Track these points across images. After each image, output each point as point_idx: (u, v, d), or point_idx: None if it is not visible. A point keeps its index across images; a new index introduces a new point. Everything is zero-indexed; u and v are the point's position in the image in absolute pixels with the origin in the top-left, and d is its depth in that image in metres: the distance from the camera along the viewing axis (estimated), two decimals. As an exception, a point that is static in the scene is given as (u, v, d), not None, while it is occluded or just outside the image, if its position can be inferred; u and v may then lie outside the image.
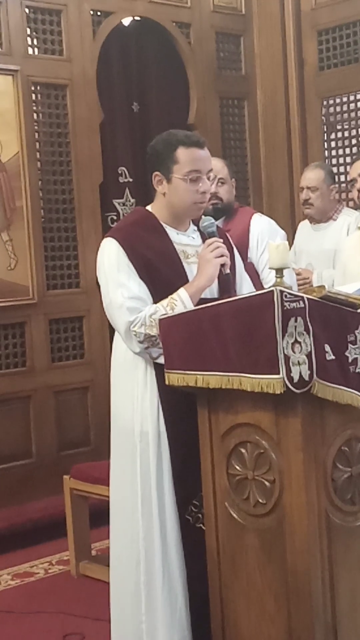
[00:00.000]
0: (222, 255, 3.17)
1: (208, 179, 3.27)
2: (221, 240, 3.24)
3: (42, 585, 4.69)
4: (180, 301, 3.10)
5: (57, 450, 5.80)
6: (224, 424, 2.91)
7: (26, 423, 5.70)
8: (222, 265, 3.18)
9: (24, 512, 5.42)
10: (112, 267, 3.18)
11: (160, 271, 3.18)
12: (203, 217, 3.31)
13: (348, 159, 6.36)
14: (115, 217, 6.12)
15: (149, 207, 3.37)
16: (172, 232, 3.28)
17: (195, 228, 3.36)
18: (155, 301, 3.14)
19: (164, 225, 3.28)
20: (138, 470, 3.21)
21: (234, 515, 2.92)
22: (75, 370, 5.94)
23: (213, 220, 3.31)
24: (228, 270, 3.21)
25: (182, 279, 3.19)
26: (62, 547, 4.97)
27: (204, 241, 3.27)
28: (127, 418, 3.26)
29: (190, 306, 3.07)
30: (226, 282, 3.26)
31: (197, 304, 3.07)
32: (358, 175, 4.47)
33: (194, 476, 3.04)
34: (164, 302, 3.12)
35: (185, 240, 3.30)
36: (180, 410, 3.11)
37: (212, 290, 3.23)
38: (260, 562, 2.85)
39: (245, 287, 3.44)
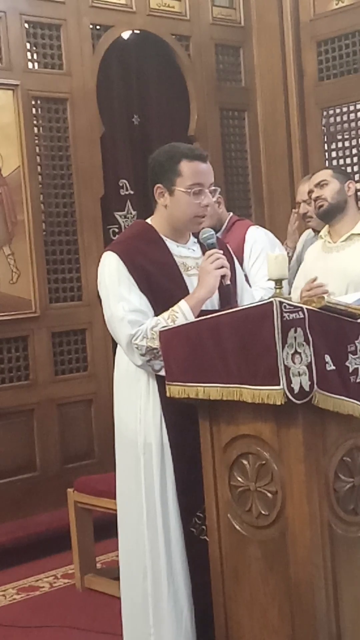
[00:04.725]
0: (222, 267, 3.18)
1: (209, 192, 3.28)
2: (221, 251, 3.25)
3: (47, 599, 4.68)
4: (181, 313, 3.10)
5: (61, 463, 5.80)
6: (225, 435, 2.92)
7: (30, 436, 5.70)
8: (223, 277, 3.18)
9: (28, 526, 5.41)
10: (113, 281, 3.19)
11: (160, 284, 3.19)
12: (203, 229, 3.32)
13: (349, 169, 6.37)
14: (116, 230, 6.13)
15: (149, 220, 3.38)
16: (172, 245, 3.29)
17: (195, 240, 3.37)
18: (157, 314, 3.15)
19: (164, 237, 3.30)
20: (142, 482, 3.22)
21: (237, 526, 2.92)
22: (78, 383, 5.94)
23: (213, 232, 3.32)
24: (228, 282, 3.21)
25: (182, 291, 3.20)
26: (67, 561, 4.96)
27: (204, 253, 3.28)
28: (130, 430, 3.27)
29: (191, 318, 3.07)
30: (227, 293, 3.27)
31: (198, 316, 3.08)
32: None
33: (198, 488, 3.04)
34: (165, 314, 3.12)
35: (185, 253, 3.31)
36: (183, 422, 3.11)
37: (213, 302, 3.24)
38: (263, 573, 2.84)
39: (246, 298, 3.44)
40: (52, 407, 5.79)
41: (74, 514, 4.75)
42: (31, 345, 5.72)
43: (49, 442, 5.76)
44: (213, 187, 3.30)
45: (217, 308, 3.21)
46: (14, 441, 5.61)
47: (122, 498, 3.35)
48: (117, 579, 3.44)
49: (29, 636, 4.21)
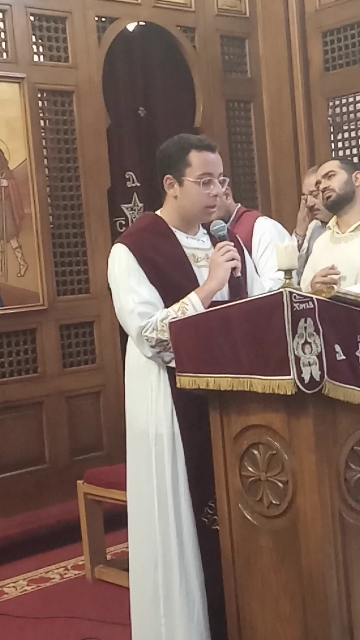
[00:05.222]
0: (233, 259, 3.18)
1: (219, 182, 3.28)
2: (232, 243, 3.25)
3: (58, 590, 4.70)
4: (191, 305, 3.11)
5: (70, 455, 5.82)
6: (235, 426, 2.92)
7: (39, 429, 5.72)
8: (234, 269, 3.18)
9: (38, 518, 5.43)
10: (123, 273, 3.20)
11: (170, 276, 3.19)
12: (214, 220, 3.32)
13: (356, 160, 6.36)
14: (123, 222, 6.14)
15: (158, 212, 3.38)
16: (181, 236, 3.30)
17: (205, 231, 3.37)
18: (167, 306, 3.15)
19: (174, 229, 3.30)
20: (154, 473, 3.23)
21: (248, 516, 2.92)
22: (86, 375, 5.95)
23: (224, 224, 3.32)
24: (239, 274, 3.21)
25: (192, 283, 3.20)
26: (77, 552, 4.98)
27: (213, 245, 3.28)
28: (141, 422, 3.27)
29: (201, 310, 3.07)
30: (237, 285, 3.27)
31: (208, 308, 3.07)
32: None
33: (209, 478, 3.04)
34: (175, 306, 3.13)
35: (194, 244, 3.31)
36: (194, 413, 3.12)
37: (223, 294, 3.24)
38: (275, 563, 2.85)
39: (256, 289, 3.44)
40: (60, 399, 5.81)
41: (83, 506, 4.76)
42: (39, 338, 5.73)
43: (58, 434, 5.78)
44: (222, 178, 3.30)
45: (227, 300, 3.20)
46: (23, 434, 5.63)
47: (133, 489, 3.36)
48: (127, 570, 3.45)
49: (40, 627, 4.23)
